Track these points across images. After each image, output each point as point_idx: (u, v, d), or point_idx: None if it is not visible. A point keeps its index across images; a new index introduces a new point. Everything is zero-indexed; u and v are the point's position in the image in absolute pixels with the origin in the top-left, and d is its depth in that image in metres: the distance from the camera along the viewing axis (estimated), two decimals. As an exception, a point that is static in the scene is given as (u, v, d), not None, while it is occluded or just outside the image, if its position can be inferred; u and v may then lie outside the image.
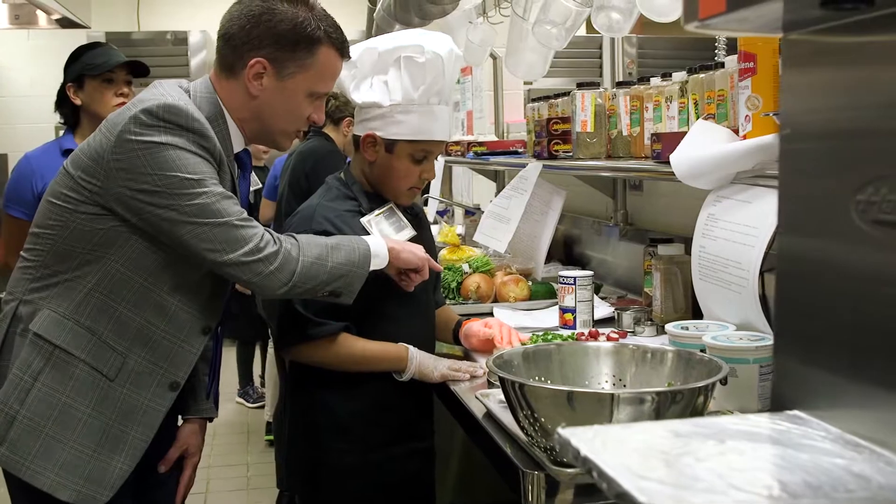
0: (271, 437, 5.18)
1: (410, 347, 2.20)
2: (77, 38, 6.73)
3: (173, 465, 2.15)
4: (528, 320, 2.85)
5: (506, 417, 1.80)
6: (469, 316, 2.66)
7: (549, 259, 3.48)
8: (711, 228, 2.05)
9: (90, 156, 1.84)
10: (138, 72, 3.19)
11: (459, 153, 4.38)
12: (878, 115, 0.88)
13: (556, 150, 3.09)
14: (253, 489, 4.77)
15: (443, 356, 2.31)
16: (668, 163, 2.16)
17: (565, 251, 3.92)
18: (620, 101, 2.80)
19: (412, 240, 2.24)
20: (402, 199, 2.32)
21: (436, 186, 4.75)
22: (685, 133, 2.18)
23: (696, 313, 2.48)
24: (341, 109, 4.21)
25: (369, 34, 5.04)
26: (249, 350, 6.02)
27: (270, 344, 5.18)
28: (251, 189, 2.57)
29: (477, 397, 2.00)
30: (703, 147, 2.04)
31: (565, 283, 2.70)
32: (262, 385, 6.01)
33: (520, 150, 3.88)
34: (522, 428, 1.61)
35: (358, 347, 2.18)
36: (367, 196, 2.27)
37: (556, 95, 3.24)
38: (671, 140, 2.20)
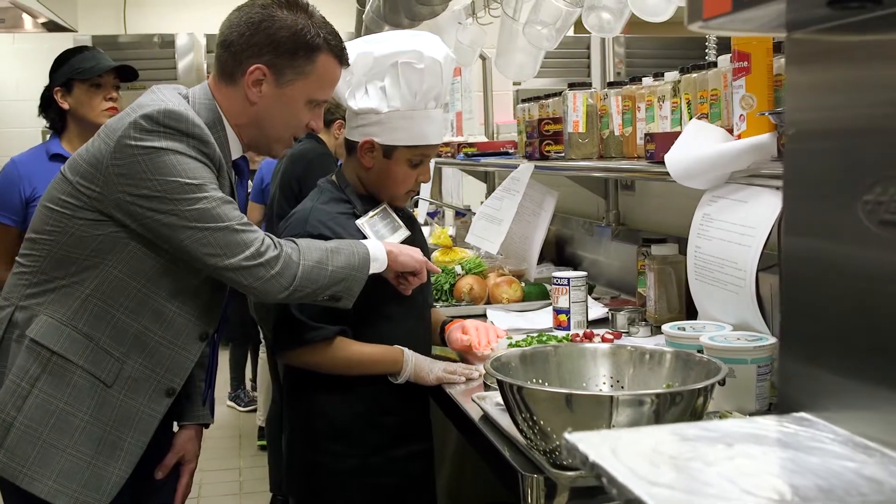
0: (264, 443, 5.16)
1: (406, 350, 2.20)
2: (63, 42, 6.68)
3: (170, 471, 2.14)
4: (521, 322, 2.85)
5: (503, 420, 1.79)
6: (460, 318, 2.64)
7: (540, 260, 3.48)
8: (707, 228, 2.04)
9: (89, 161, 1.83)
10: (127, 76, 3.16)
11: (450, 154, 4.37)
12: (884, 114, 0.87)
13: (548, 151, 3.09)
14: (245, 493, 4.75)
15: (437, 359, 2.30)
16: (661, 163, 2.15)
17: (557, 252, 3.92)
18: (612, 101, 2.80)
19: (407, 240, 2.24)
20: (399, 202, 2.33)
21: (426, 188, 4.74)
22: (679, 133, 2.18)
23: (690, 313, 2.47)
24: (332, 112, 4.19)
25: (358, 35, 5.02)
26: (242, 353, 5.99)
27: (262, 347, 5.16)
28: None
29: (474, 400, 1.99)
30: (698, 147, 2.03)
31: (559, 284, 2.70)
32: (254, 389, 5.99)
33: (510, 151, 3.88)
34: (521, 431, 1.60)
35: (354, 351, 2.18)
36: (360, 198, 2.27)
37: (547, 96, 3.23)
38: (665, 140, 2.20)
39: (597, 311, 2.83)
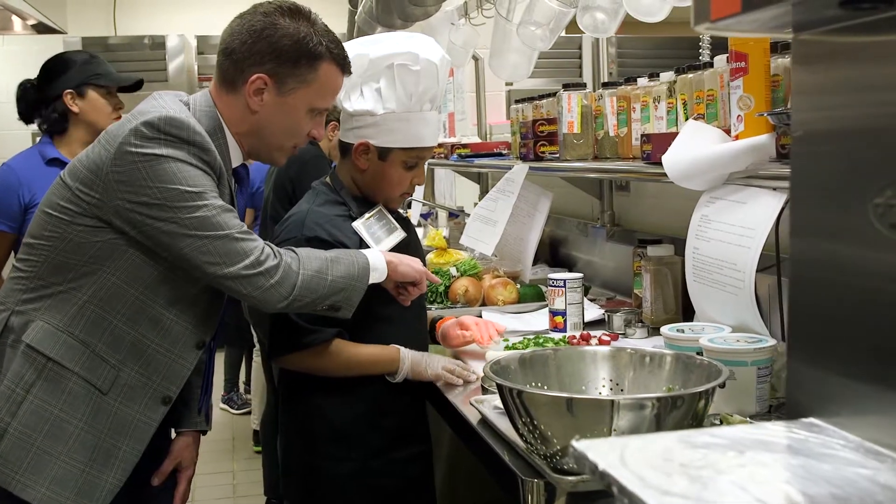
0: (260, 448, 5.14)
1: (402, 348, 2.19)
2: (53, 43, 6.66)
3: (167, 478, 2.12)
4: (517, 323, 2.83)
5: (502, 424, 1.78)
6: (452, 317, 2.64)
7: (535, 261, 3.47)
8: (705, 230, 2.03)
9: (89, 167, 1.81)
10: (134, 88, 3.20)
11: (443, 155, 4.36)
12: (894, 116, 0.86)
13: (543, 152, 3.07)
14: (239, 497, 4.73)
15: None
16: (657, 164, 2.14)
17: (551, 253, 3.91)
18: (606, 101, 2.79)
19: (402, 242, 2.24)
20: (393, 205, 2.33)
21: (419, 189, 4.72)
22: (675, 134, 2.17)
23: (687, 314, 2.47)
24: (326, 114, 4.17)
25: (350, 36, 5.00)
26: (237, 355, 5.97)
27: (256, 350, 5.14)
28: None
29: (472, 404, 1.98)
30: (696, 148, 2.02)
31: (555, 286, 2.69)
32: (247, 392, 5.96)
33: (504, 152, 3.86)
34: (521, 435, 1.58)
35: (351, 353, 2.17)
36: (355, 200, 2.26)
37: (541, 97, 3.22)
38: (662, 141, 2.18)
39: (593, 312, 2.82)
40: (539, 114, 3.18)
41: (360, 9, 4.63)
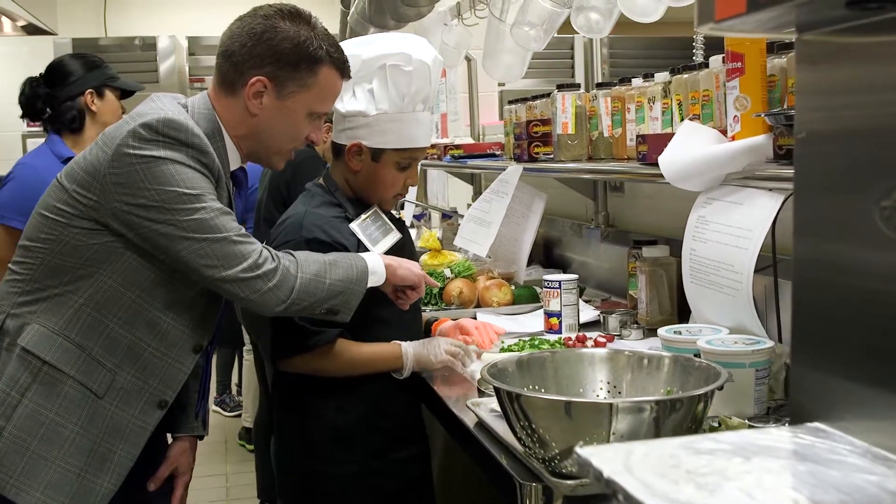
0: (248, 445, 5.12)
1: (402, 343, 2.20)
2: (43, 44, 6.63)
3: (163, 483, 2.11)
4: (512, 325, 2.82)
5: (499, 427, 1.77)
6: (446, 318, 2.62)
7: (529, 262, 3.46)
8: (702, 231, 2.02)
9: (86, 169, 1.80)
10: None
11: (436, 156, 4.34)
12: (900, 117, 0.85)
13: (537, 153, 3.06)
14: (232, 500, 4.71)
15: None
16: (653, 164, 2.13)
17: (545, 254, 3.89)
18: (601, 102, 2.78)
19: (396, 243, 2.24)
20: (387, 206, 2.33)
21: (412, 190, 4.71)
22: (671, 134, 2.16)
23: (682, 315, 2.46)
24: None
25: (342, 37, 4.98)
26: (229, 357, 5.94)
27: (246, 350, 5.13)
28: None
29: (468, 406, 1.96)
30: (692, 149, 2.01)
31: (550, 288, 2.68)
32: (240, 394, 5.93)
33: (497, 153, 3.85)
34: (519, 439, 1.57)
35: (355, 352, 2.17)
36: (350, 202, 2.25)
37: (535, 97, 3.21)
38: (657, 141, 2.18)
39: (588, 313, 2.81)
40: (533, 114, 3.17)
41: (352, 9, 4.61)
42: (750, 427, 1.71)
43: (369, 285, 1.99)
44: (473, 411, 1.93)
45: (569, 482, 1.50)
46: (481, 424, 1.88)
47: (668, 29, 3.61)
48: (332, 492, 2.18)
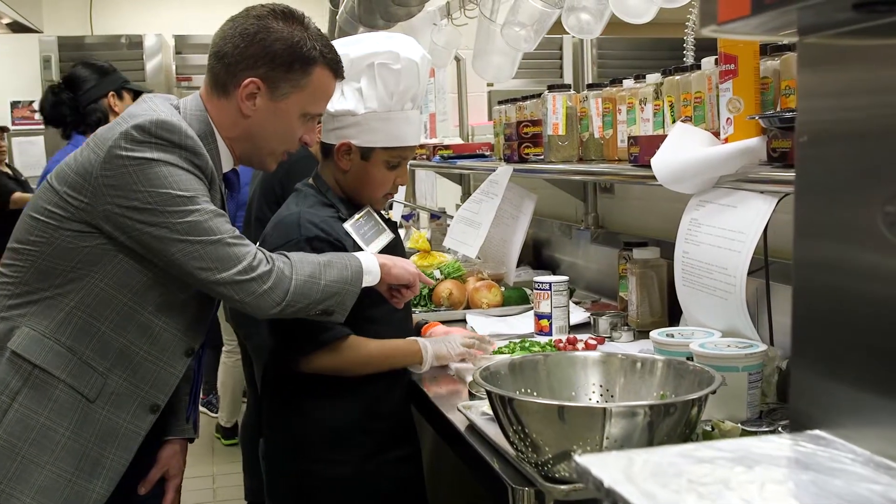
0: (234, 441, 5.11)
1: (418, 339, 2.21)
2: (29, 42, 6.59)
3: (154, 487, 2.08)
4: (502, 326, 2.81)
5: (490, 430, 1.76)
6: (436, 322, 2.61)
7: (518, 263, 3.44)
8: (695, 233, 2.01)
9: (78, 171, 1.77)
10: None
11: (425, 157, 4.33)
12: (904, 120, 0.84)
13: (527, 154, 3.05)
14: (220, 501, 4.68)
15: None
16: (644, 166, 2.12)
17: (535, 255, 3.88)
18: (592, 103, 2.77)
19: (389, 243, 2.23)
20: (377, 205, 2.32)
21: (400, 190, 4.69)
22: (663, 136, 2.14)
23: (673, 318, 2.45)
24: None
25: (331, 37, 4.95)
26: (214, 357, 5.90)
27: (224, 352, 5.11)
28: None
29: (459, 410, 1.95)
30: (685, 151, 2.00)
31: (540, 289, 2.66)
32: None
33: (487, 154, 3.84)
34: (511, 443, 1.56)
35: (371, 347, 2.16)
36: (342, 202, 2.24)
37: (525, 98, 3.19)
38: (649, 143, 2.17)
39: (578, 315, 2.80)
40: (523, 115, 3.15)
41: (341, 9, 4.59)
42: (743, 431, 1.70)
43: (364, 285, 1.98)
44: (465, 414, 1.91)
45: (562, 487, 1.49)
46: (472, 428, 1.86)
47: (657, 30, 3.60)
48: (328, 493, 2.16)
